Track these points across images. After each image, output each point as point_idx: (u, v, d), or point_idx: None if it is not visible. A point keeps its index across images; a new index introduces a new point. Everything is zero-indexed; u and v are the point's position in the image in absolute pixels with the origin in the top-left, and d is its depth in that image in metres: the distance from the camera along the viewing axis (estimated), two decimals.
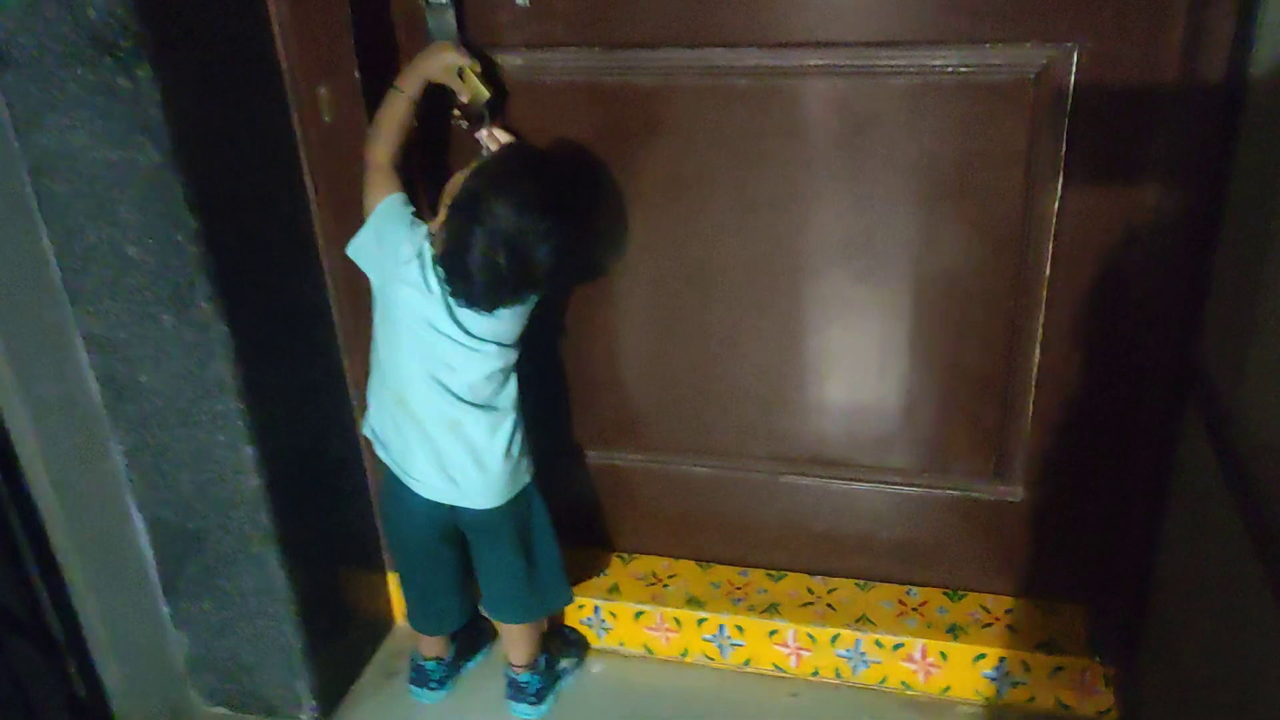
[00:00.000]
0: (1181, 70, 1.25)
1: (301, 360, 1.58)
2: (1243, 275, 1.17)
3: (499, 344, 1.43)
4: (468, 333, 1.40)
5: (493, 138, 1.45)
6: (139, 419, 1.49)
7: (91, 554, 1.52)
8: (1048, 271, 1.43)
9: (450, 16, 1.44)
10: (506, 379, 1.48)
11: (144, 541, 1.60)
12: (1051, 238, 1.41)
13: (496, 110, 1.48)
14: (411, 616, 1.70)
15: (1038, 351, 1.49)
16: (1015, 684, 1.60)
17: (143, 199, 1.32)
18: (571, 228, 1.36)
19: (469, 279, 1.32)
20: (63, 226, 1.37)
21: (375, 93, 1.45)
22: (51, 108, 1.29)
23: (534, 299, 1.43)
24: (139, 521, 1.58)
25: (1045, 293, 1.44)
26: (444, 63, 1.41)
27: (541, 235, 1.31)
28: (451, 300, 1.37)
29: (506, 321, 1.42)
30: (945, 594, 1.70)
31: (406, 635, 1.83)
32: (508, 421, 1.49)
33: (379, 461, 1.56)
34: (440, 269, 1.35)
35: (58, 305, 1.42)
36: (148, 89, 1.25)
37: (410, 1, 1.46)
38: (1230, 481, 1.12)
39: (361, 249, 1.43)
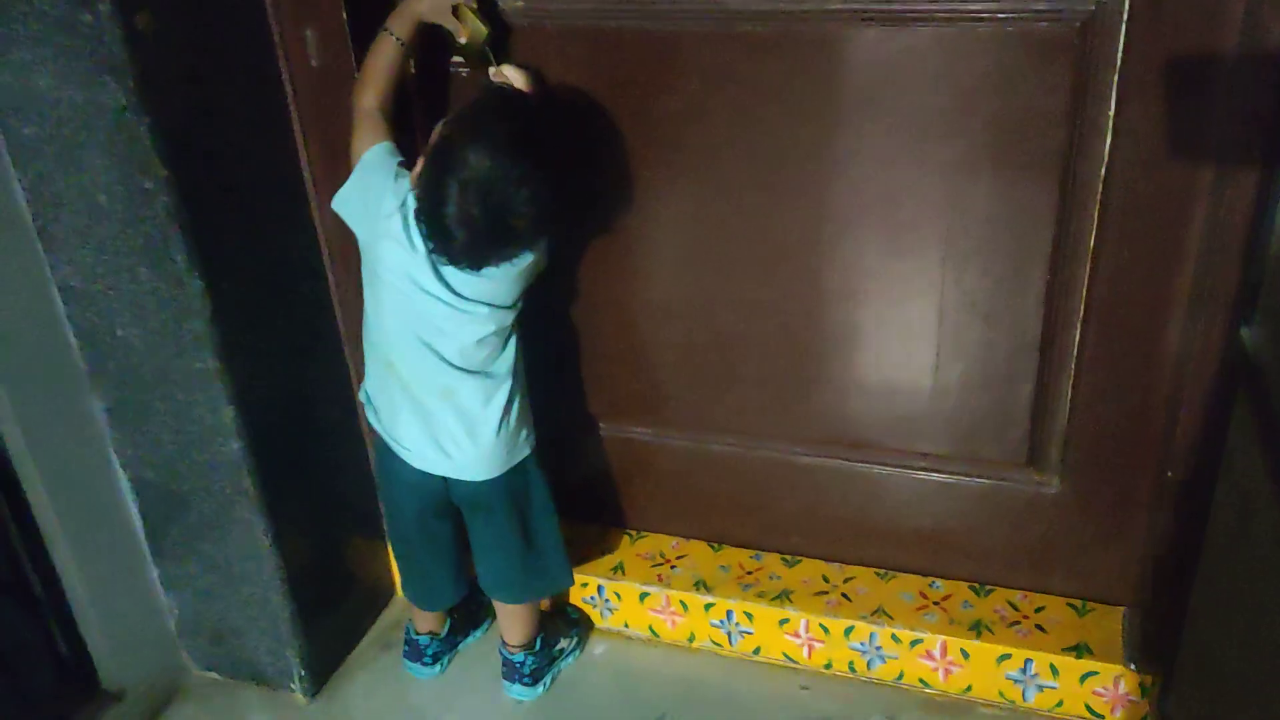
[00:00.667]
0: (1246, 21, 1.09)
1: (289, 319, 1.50)
2: None
3: (491, 305, 1.33)
4: (456, 293, 1.31)
5: (502, 77, 1.35)
6: (118, 375, 1.43)
7: (72, 511, 1.47)
8: (1091, 244, 1.29)
9: None
10: (504, 343, 1.39)
11: (129, 500, 1.55)
12: (1097, 206, 1.26)
13: (499, 49, 1.37)
14: (406, 589, 1.63)
15: (1078, 330, 1.35)
16: (1042, 688, 1.48)
17: (109, 143, 1.24)
18: (550, 173, 1.23)
19: (447, 234, 1.21)
20: (33, 170, 1.30)
21: (365, 36, 1.35)
22: (14, 44, 1.21)
23: (527, 256, 1.31)
24: (123, 480, 1.53)
25: (1088, 267, 1.30)
26: (436, 3, 1.30)
27: (516, 181, 1.19)
28: (436, 257, 1.27)
29: (498, 281, 1.32)
30: (971, 588, 1.58)
31: (405, 606, 1.77)
32: (503, 389, 1.40)
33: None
34: (421, 224, 1.25)
35: (32, 253, 1.36)
36: (109, 24, 1.17)
37: None
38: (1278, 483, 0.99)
39: (346, 201, 1.34)
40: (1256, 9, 1.08)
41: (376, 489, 1.66)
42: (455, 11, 1.31)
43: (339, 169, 1.40)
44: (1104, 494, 1.45)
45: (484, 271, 1.28)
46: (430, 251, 1.26)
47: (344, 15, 1.35)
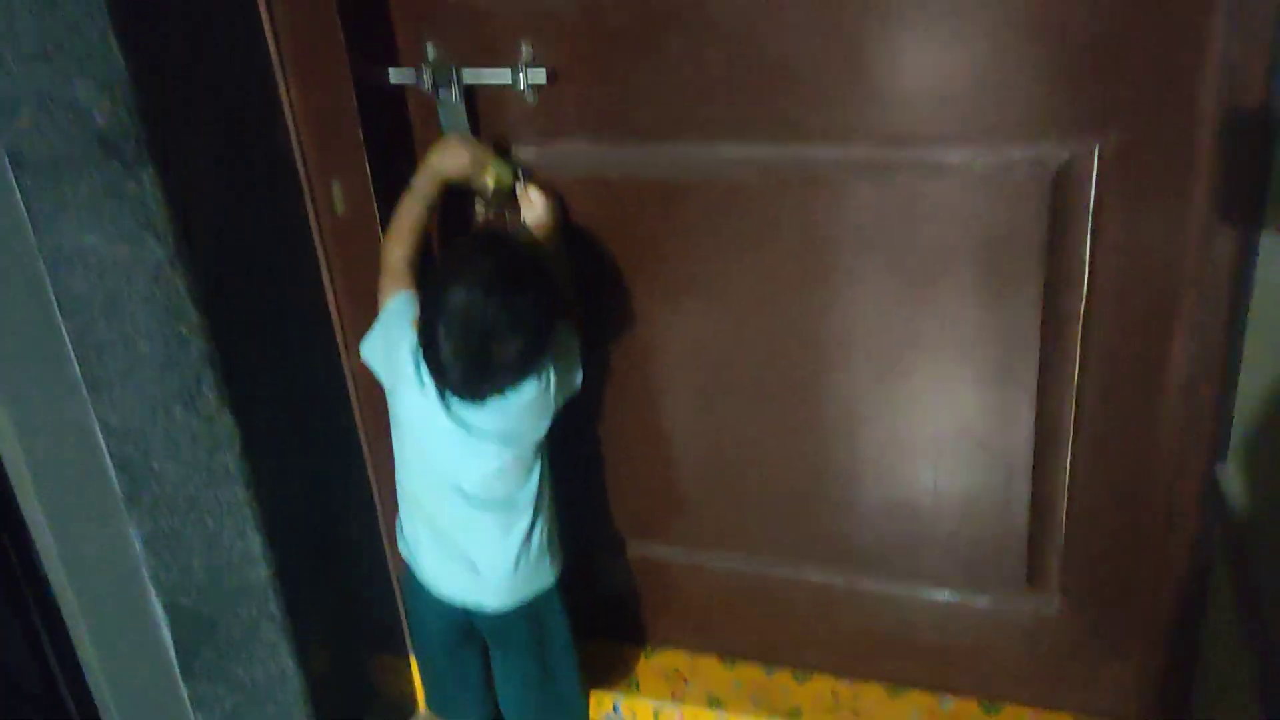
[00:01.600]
0: (1210, 167, 1.16)
1: (317, 448, 1.58)
2: (1261, 398, 1.07)
3: (504, 439, 1.40)
4: (468, 428, 1.38)
5: (528, 199, 1.44)
6: (153, 505, 1.51)
7: (108, 635, 1.54)
8: (1075, 374, 1.34)
9: (462, 112, 1.44)
10: (526, 475, 1.43)
11: (163, 624, 1.61)
12: (1079, 339, 1.32)
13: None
14: (430, 701, 1.68)
15: (1068, 455, 1.40)
16: None
17: (149, 295, 1.34)
18: (534, 304, 1.28)
19: (443, 369, 1.28)
20: (80, 321, 1.40)
21: (388, 186, 1.46)
22: (65, 208, 1.32)
23: (529, 389, 1.35)
24: (157, 605, 1.60)
25: (1073, 396, 1.36)
26: (460, 161, 1.40)
27: (495, 314, 1.25)
28: (448, 401, 1.35)
29: (507, 415, 1.37)
30: (981, 705, 1.60)
31: (429, 718, 1.81)
32: (524, 519, 1.44)
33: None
34: (423, 362, 1.33)
35: (78, 395, 1.45)
36: (152, 189, 1.27)
37: (423, 97, 1.46)
38: (1248, 617, 1.02)
39: (371, 350, 1.43)
40: (1224, 163, 1.15)
41: (403, 609, 1.72)
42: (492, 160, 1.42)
43: (363, 309, 1.49)
44: (1104, 612, 1.48)
45: (490, 405, 1.34)
46: (438, 387, 1.34)
47: (368, 168, 1.45)
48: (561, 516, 1.54)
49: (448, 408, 1.36)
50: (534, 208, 1.44)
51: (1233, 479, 1.17)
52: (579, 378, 1.46)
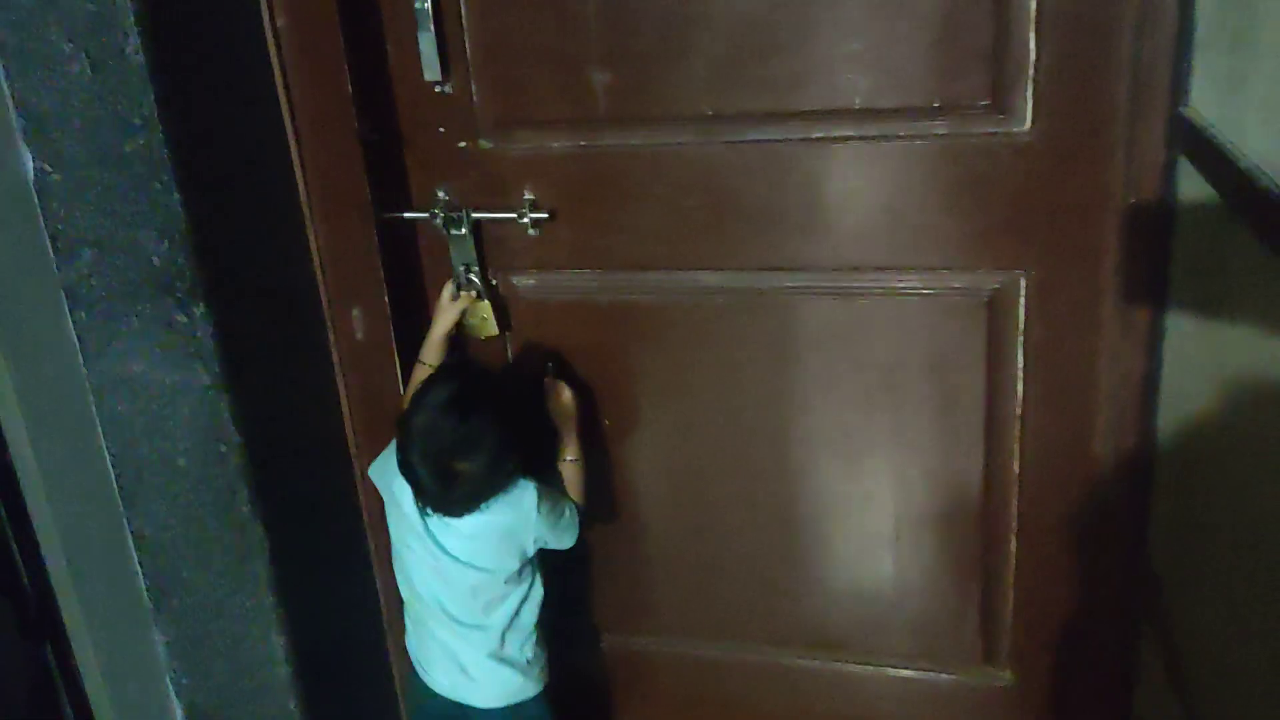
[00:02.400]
0: (1116, 299, 1.39)
1: (332, 556, 1.71)
2: (1177, 496, 1.28)
3: (477, 567, 1.51)
4: (441, 548, 1.50)
5: (556, 393, 1.60)
6: (179, 611, 1.62)
7: None
8: (1016, 472, 1.54)
9: (470, 245, 1.62)
10: (501, 601, 1.54)
11: None
12: (1017, 440, 1.53)
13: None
14: None
15: (1013, 543, 1.59)
16: None
17: (193, 416, 1.48)
18: (489, 425, 1.42)
19: (419, 486, 1.43)
20: (121, 440, 1.53)
21: (402, 312, 1.63)
22: (116, 338, 1.46)
23: (501, 515, 1.48)
24: (178, 708, 1.69)
25: (1016, 491, 1.56)
26: (449, 316, 1.60)
27: (452, 434, 1.40)
28: (426, 520, 1.49)
29: (481, 541, 1.49)
30: None
31: None
32: (501, 640, 1.56)
33: (404, 651, 1.67)
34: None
35: (113, 509, 1.57)
36: (201, 322, 1.42)
37: (434, 231, 1.64)
38: (1176, 688, 1.20)
39: (375, 471, 1.58)
40: (1124, 293, 1.37)
41: (404, 706, 1.82)
42: (467, 314, 1.61)
43: (375, 428, 1.65)
44: (1052, 685, 1.66)
45: (462, 529, 1.48)
46: (415, 507, 1.48)
47: (386, 297, 1.62)
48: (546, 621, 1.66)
49: (426, 528, 1.50)
50: (560, 400, 1.60)
51: (1155, 563, 1.37)
52: (569, 540, 1.59)
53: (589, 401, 1.69)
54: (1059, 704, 1.65)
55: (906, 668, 1.74)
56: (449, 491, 1.43)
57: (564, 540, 1.59)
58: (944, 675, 1.72)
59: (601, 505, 1.77)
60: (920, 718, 1.75)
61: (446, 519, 1.48)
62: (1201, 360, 1.20)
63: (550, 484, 1.57)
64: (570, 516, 1.59)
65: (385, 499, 1.57)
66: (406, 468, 1.43)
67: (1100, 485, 1.48)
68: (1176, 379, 1.29)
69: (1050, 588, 1.59)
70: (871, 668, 1.76)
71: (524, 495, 1.50)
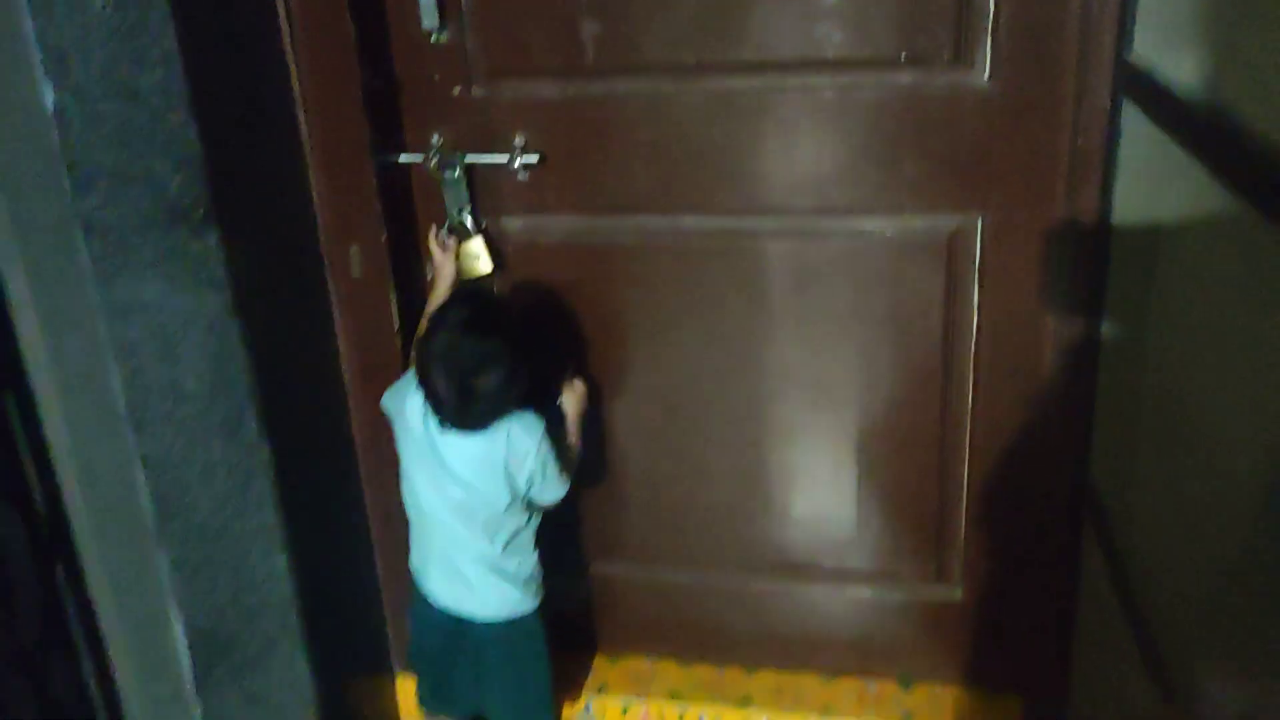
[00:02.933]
0: (1063, 239, 1.53)
1: (328, 482, 1.80)
2: (1116, 414, 1.42)
3: (478, 489, 1.60)
4: (449, 472, 1.60)
5: (572, 386, 1.72)
6: (183, 532, 1.69)
7: (137, 656, 1.70)
8: (970, 401, 1.68)
9: (462, 188, 1.71)
10: (499, 526, 1.65)
11: (182, 645, 1.78)
12: (971, 374, 1.66)
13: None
14: (422, 696, 1.85)
15: (966, 468, 1.73)
16: None
17: (203, 340, 1.56)
18: (502, 345, 1.53)
19: (439, 402, 1.54)
20: (131, 366, 1.60)
21: (397, 252, 1.72)
22: (129, 266, 1.53)
23: (520, 444, 1.58)
24: (179, 627, 1.77)
25: (969, 419, 1.69)
26: (450, 268, 1.70)
27: (470, 350, 1.51)
28: (434, 441, 1.59)
29: (482, 467, 1.59)
30: (900, 685, 1.90)
31: None
32: (493, 556, 1.66)
33: (393, 574, 1.77)
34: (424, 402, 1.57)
35: (121, 432, 1.64)
36: (215, 249, 1.50)
37: (428, 175, 1.73)
38: (1119, 589, 1.34)
39: (387, 400, 1.68)
40: (1071, 234, 1.51)
41: (407, 619, 1.87)
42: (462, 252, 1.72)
43: (371, 362, 1.75)
44: (998, 600, 1.80)
45: (470, 452, 1.58)
46: (437, 421, 1.56)
47: (383, 235, 1.70)
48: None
49: (434, 448, 1.60)
50: (573, 393, 1.71)
51: (1097, 476, 1.51)
52: (556, 490, 1.68)
53: (575, 337, 1.79)
54: (1006, 616, 1.80)
55: (864, 588, 1.87)
56: (468, 406, 1.53)
57: (551, 488, 1.67)
58: (899, 594, 1.86)
59: (583, 436, 1.87)
60: (876, 633, 1.89)
61: (453, 442, 1.58)
62: (1139, 286, 1.34)
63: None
64: (564, 471, 1.68)
65: (396, 422, 1.66)
66: (427, 386, 1.53)
67: (1047, 409, 1.62)
68: (1118, 306, 1.43)
69: (1000, 508, 1.73)
70: (832, 588, 1.89)
71: (531, 424, 1.61)
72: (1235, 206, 0.91)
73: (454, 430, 1.58)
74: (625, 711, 1.92)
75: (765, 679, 1.94)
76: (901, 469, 1.77)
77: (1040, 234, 1.55)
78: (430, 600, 1.71)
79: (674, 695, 1.92)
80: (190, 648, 1.78)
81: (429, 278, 1.78)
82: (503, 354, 1.54)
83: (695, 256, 1.71)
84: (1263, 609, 0.94)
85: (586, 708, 1.95)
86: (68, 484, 1.58)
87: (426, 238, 1.75)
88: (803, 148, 1.60)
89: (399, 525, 1.88)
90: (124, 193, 1.50)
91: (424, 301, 1.79)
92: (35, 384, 1.52)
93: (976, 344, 1.64)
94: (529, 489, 1.64)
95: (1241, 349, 0.96)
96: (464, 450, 1.59)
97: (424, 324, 1.64)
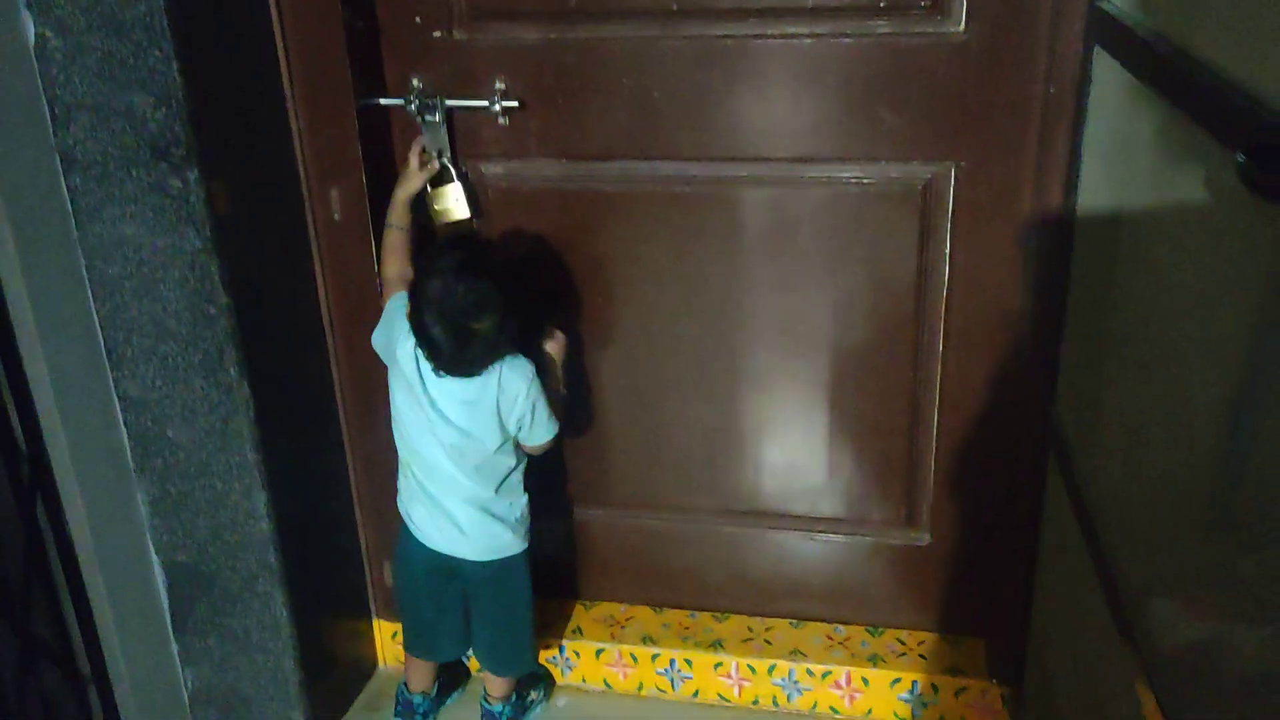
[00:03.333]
0: (1035, 185, 1.56)
1: (308, 425, 1.82)
2: (1082, 354, 1.46)
3: (468, 432, 1.62)
4: (440, 414, 1.62)
5: (552, 333, 1.72)
6: (163, 470, 1.71)
7: (116, 593, 1.71)
8: (941, 348, 1.71)
9: (443, 132, 1.72)
10: (489, 467, 1.67)
11: (160, 583, 1.80)
12: (943, 319, 1.69)
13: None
14: (412, 644, 1.86)
15: (936, 415, 1.77)
16: (926, 705, 1.84)
17: (183, 278, 1.57)
18: (495, 288, 1.54)
19: (435, 347, 1.54)
20: (111, 303, 1.61)
21: (377, 194, 1.72)
22: (109, 202, 1.54)
23: (512, 384, 1.61)
24: (157, 564, 1.79)
25: (940, 366, 1.73)
26: (410, 183, 1.70)
27: (464, 295, 1.52)
28: (425, 384, 1.61)
29: (475, 410, 1.61)
30: (867, 630, 1.94)
31: (389, 677, 2.04)
32: (484, 498, 1.69)
33: (373, 519, 1.79)
34: (418, 346, 1.58)
35: (101, 370, 1.65)
36: (195, 187, 1.51)
37: (408, 119, 1.73)
38: (1081, 525, 1.38)
39: (376, 338, 1.68)
40: (1042, 178, 1.54)
41: (392, 565, 1.90)
42: (434, 198, 1.72)
43: (352, 304, 1.77)
44: (965, 545, 1.85)
45: (460, 395, 1.60)
46: (431, 366, 1.57)
47: (364, 177, 1.71)
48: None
49: (425, 390, 1.61)
50: (554, 340, 1.73)
51: (1062, 416, 1.55)
52: (544, 433, 1.69)
53: (554, 283, 1.81)
54: (973, 560, 1.85)
55: (835, 533, 1.91)
56: (464, 351, 1.54)
57: (541, 429, 1.68)
58: (868, 538, 1.90)
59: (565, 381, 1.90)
60: (846, 579, 1.93)
61: (446, 386, 1.60)
62: (1108, 231, 1.37)
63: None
64: (553, 414, 1.69)
65: (389, 364, 1.66)
66: (422, 331, 1.54)
67: (1017, 354, 1.66)
68: (1087, 251, 1.46)
69: (969, 453, 1.77)
70: (802, 534, 1.93)
71: (521, 366, 1.63)
72: (1204, 147, 0.94)
73: (448, 376, 1.59)
74: (599, 655, 1.96)
75: (735, 624, 1.98)
76: (873, 415, 1.80)
77: (1013, 182, 1.58)
78: (419, 542, 1.73)
79: (646, 639, 1.95)
80: (169, 585, 1.81)
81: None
82: (496, 297, 1.55)
83: (675, 203, 1.73)
84: (1219, 544, 0.97)
85: (561, 651, 1.98)
86: (48, 421, 1.59)
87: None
88: (781, 95, 1.62)
89: (380, 472, 1.91)
90: (104, 128, 1.50)
91: None
92: (15, 321, 1.52)
93: (948, 291, 1.67)
94: (519, 430, 1.66)
95: (1205, 286, 0.99)
96: (456, 394, 1.61)
97: (383, 255, 1.68)
